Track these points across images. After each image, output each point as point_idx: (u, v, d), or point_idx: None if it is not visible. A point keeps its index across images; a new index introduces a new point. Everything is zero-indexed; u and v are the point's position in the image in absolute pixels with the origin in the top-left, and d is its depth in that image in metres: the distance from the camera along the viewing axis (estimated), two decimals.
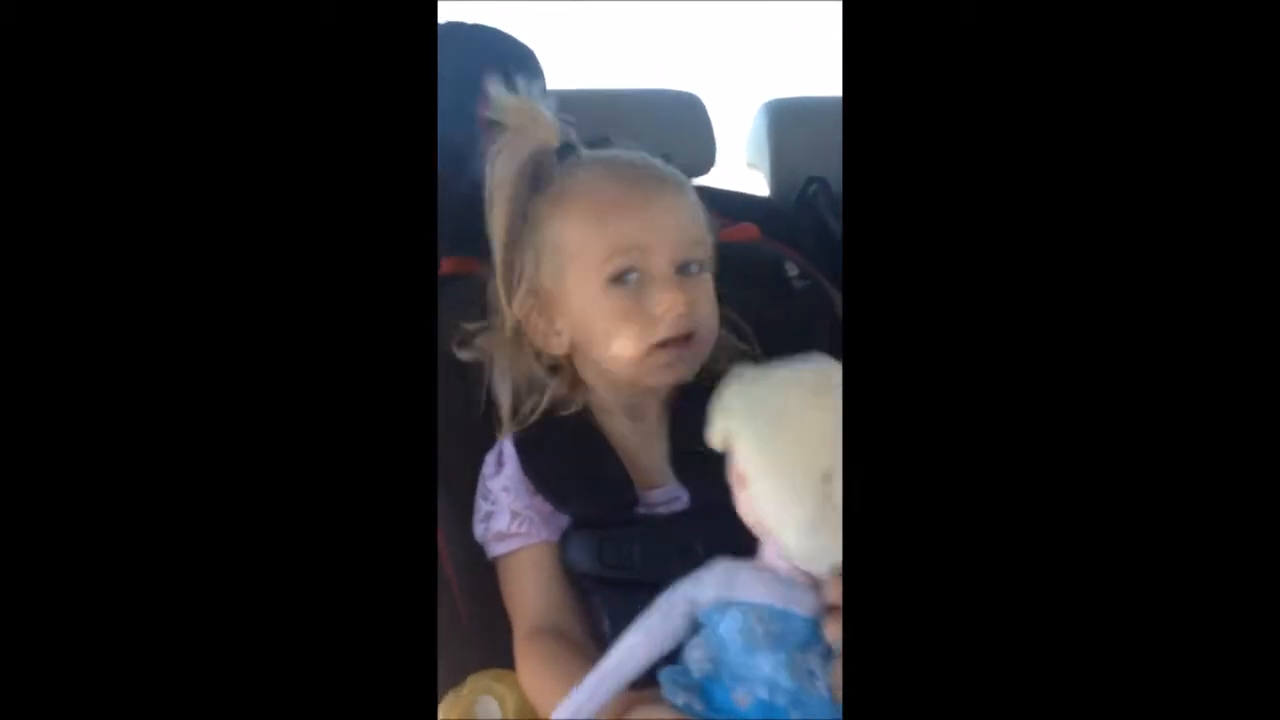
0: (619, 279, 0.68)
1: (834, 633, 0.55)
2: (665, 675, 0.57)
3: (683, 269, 0.68)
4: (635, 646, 0.57)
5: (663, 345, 0.67)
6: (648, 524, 0.68)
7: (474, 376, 0.73)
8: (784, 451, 0.56)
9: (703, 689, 0.57)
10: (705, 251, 0.70)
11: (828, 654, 0.56)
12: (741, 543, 0.60)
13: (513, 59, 0.84)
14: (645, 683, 0.58)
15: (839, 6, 0.48)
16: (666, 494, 0.70)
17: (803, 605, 0.56)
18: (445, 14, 0.85)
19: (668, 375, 0.69)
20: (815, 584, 0.56)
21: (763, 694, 0.55)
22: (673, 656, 0.58)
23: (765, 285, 0.79)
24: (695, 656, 0.57)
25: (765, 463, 0.56)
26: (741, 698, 0.55)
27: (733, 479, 0.58)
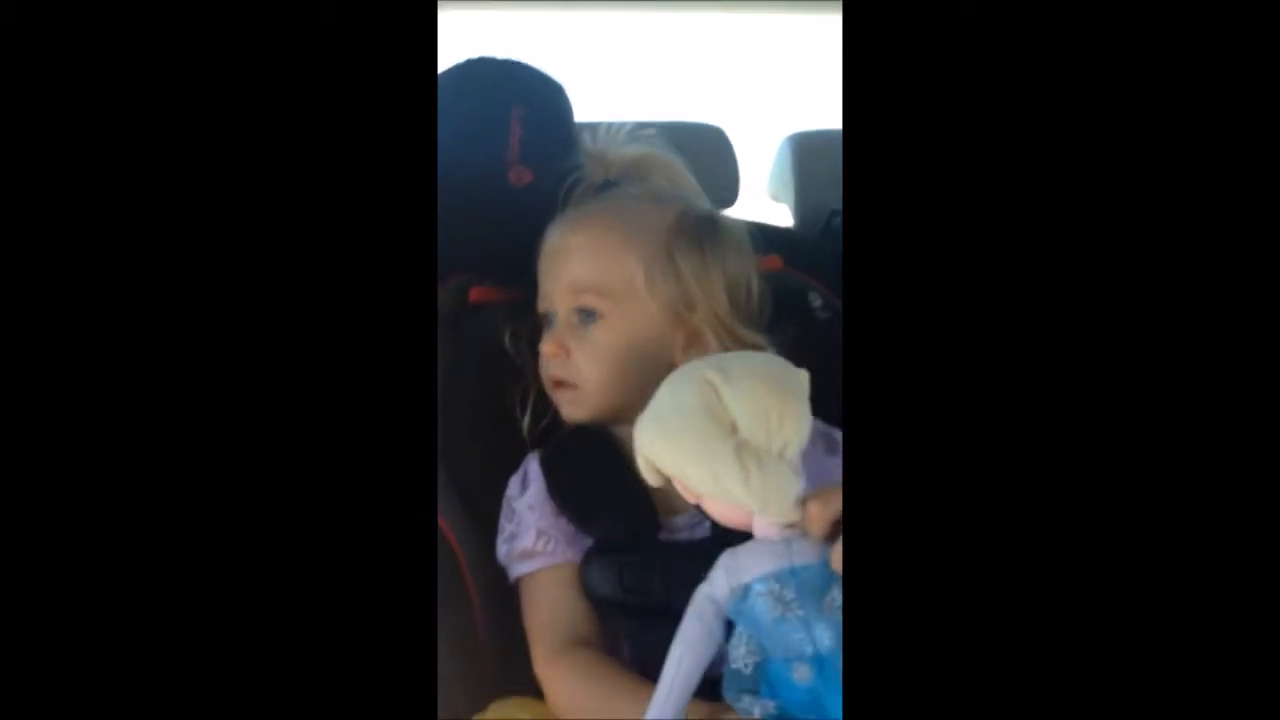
0: (547, 320, 0.73)
1: (839, 557, 0.56)
2: (725, 687, 0.58)
3: (582, 315, 0.71)
4: (681, 659, 0.58)
5: (556, 384, 0.72)
6: (670, 550, 0.69)
7: (501, 397, 0.75)
8: (684, 434, 0.57)
9: (762, 678, 0.57)
10: (600, 302, 0.71)
11: None
12: None
13: (543, 93, 0.86)
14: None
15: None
16: (689, 520, 0.70)
17: (804, 555, 0.57)
18: (471, 50, 0.87)
19: (564, 412, 0.73)
20: (803, 528, 0.57)
21: (809, 651, 0.56)
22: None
23: (790, 316, 0.79)
24: (740, 654, 0.58)
25: (679, 455, 0.58)
26: (801, 673, 0.56)
27: (688, 498, 0.60)
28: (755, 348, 0.71)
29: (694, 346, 0.71)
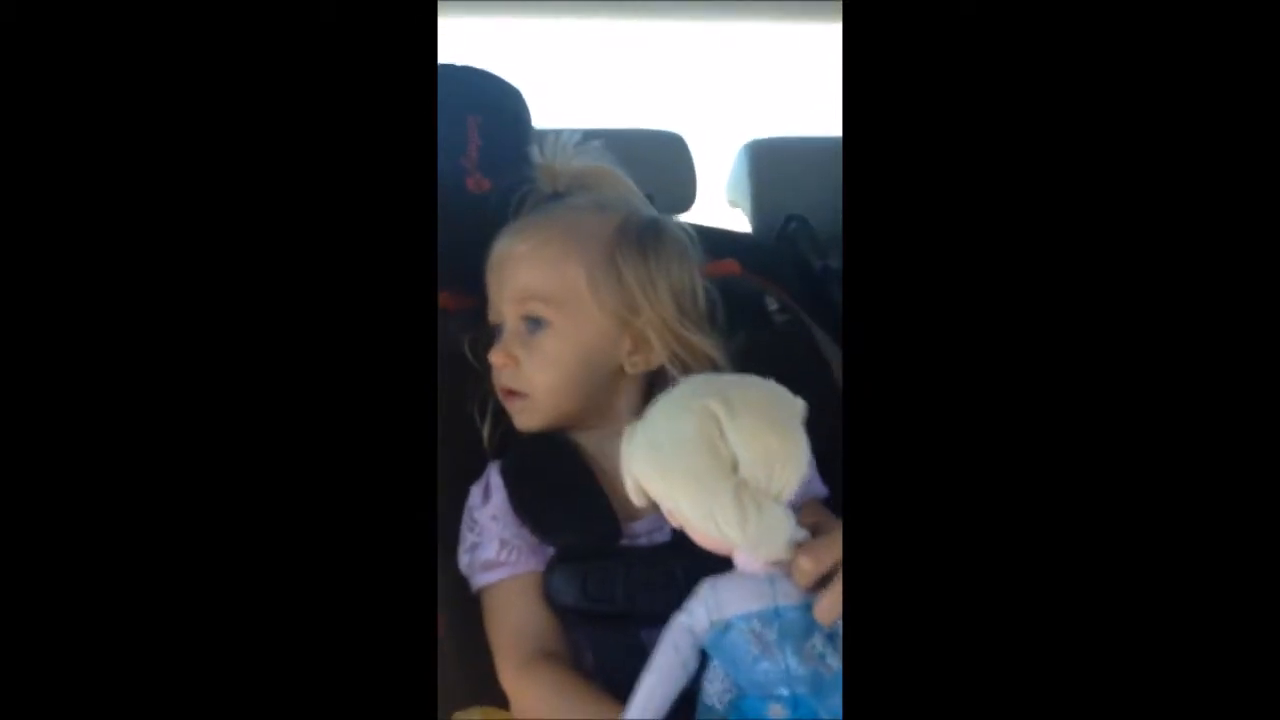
0: (497, 329, 0.73)
1: (824, 608, 0.56)
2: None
3: (530, 323, 0.71)
4: (653, 688, 0.58)
5: (508, 393, 0.72)
6: (631, 555, 0.69)
7: (462, 405, 0.75)
8: (682, 468, 0.57)
9: (735, 713, 0.57)
10: (546, 309, 0.71)
11: (830, 633, 0.57)
12: (723, 566, 0.61)
13: (501, 100, 0.86)
14: None
15: (829, 44, 0.50)
16: (649, 524, 0.70)
17: (789, 596, 0.57)
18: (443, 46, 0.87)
19: (516, 421, 0.73)
20: (789, 569, 0.57)
21: (786, 693, 0.56)
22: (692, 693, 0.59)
23: (746, 319, 0.80)
24: (715, 690, 0.58)
25: (676, 489, 0.58)
26: (776, 711, 0.56)
27: (673, 522, 0.60)
28: (703, 351, 0.72)
29: (639, 351, 0.72)
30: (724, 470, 0.56)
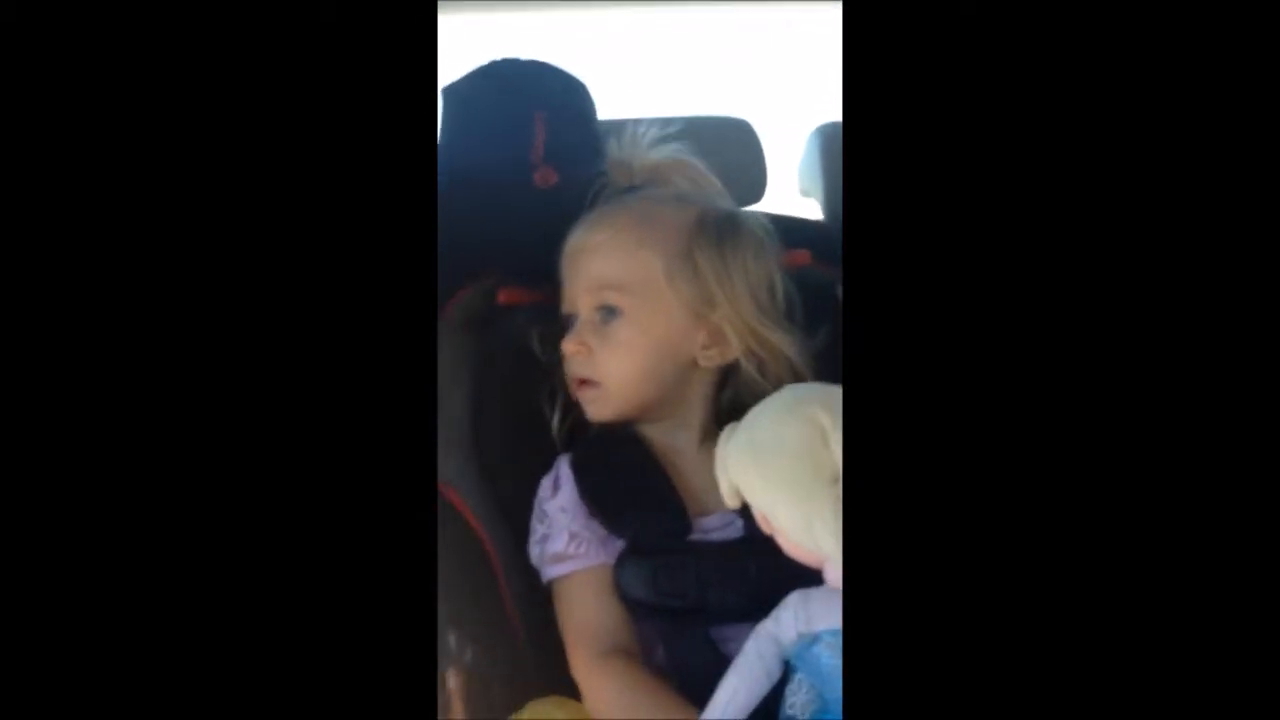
0: (570, 322, 0.73)
1: None
2: None
3: (604, 313, 0.71)
4: (736, 692, 0.58)
5: (580, 383, 0.72)
6: (702, 551, 0.69)
7: (531, 398, 0.75)
8: (783, 475, 0.57)
9: None
10: (621, 298, 0.71)
11: None
12: (797, 568, 0.60)
13: (565, 93, 0.86)
14: None
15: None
16: (720, 520, 0.70)
17: None
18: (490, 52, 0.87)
19: (588, 411, 0.73)
20: None
21: None
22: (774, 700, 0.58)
23: (820, 312, 0.79)
24: (799, 700, 0.58)
25: (775, 495, 0.57)
26: None
27: (764, 529, 0.59)
28: (779, 348, 0.71)
29: (715, 345, 0.72)
30: (825, 480, 0.55)
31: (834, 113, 1.30)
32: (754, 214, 0.77)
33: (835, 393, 0.60)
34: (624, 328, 0.71)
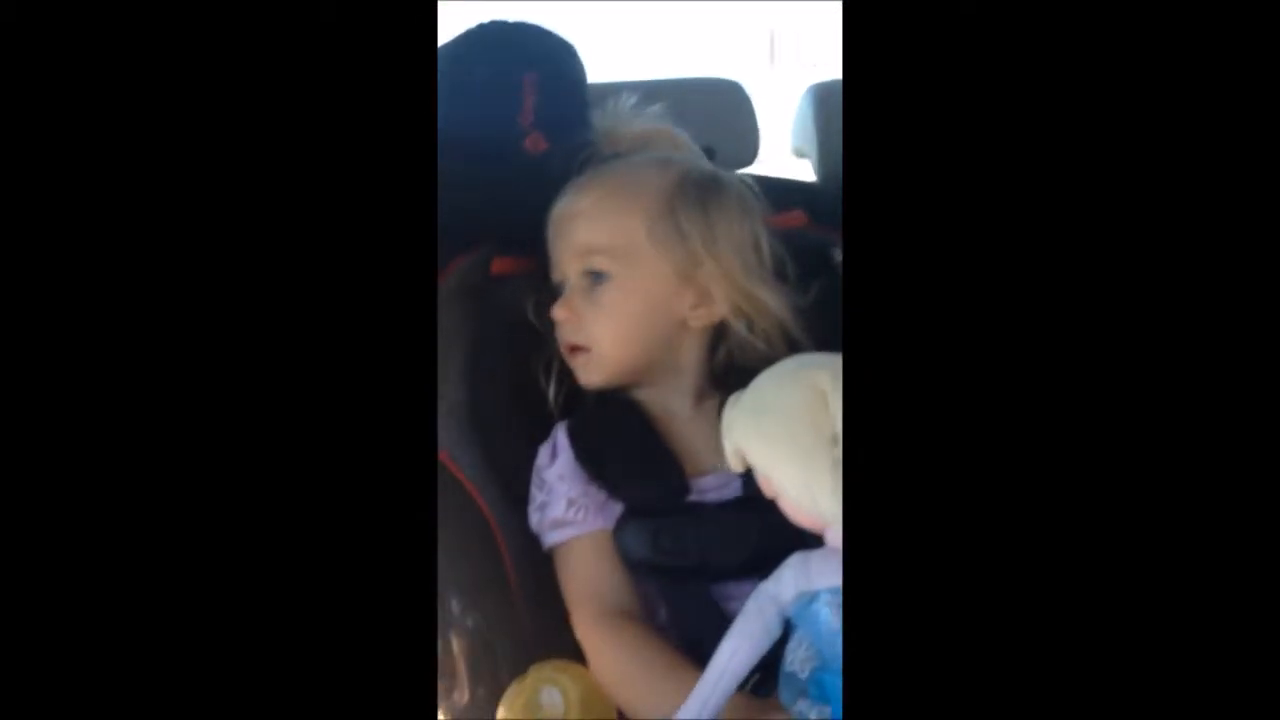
0: (560, 287, 0.73)
1: None
2: (781, 688, 0.58)
3: (591, 278, 0.71)
4: (736, 651, 0.59)
5: (571, 349, 0.72)
6: (701, 511, 0.69)
7: (527, 367, 0.75)
8: (785, 437, 0.57)
9: (815, 683, 0.57)
10: (607, 262, 0.71)
11: None
12: (795, 528, 0.60)
13: (555, 55, 0.85)
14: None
15: None
16: (717, 480, 0.70)
17: None
18: (484, 13, 0.86)
19: (579, 376, 0.73)
20: None
21: None
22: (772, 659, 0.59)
23: (814, 272, 0.78)
24: (799, 656, 0.58)
25: (775, 457, 0.58)
26: None
27: (767, 492, 0.59)
28: (767, 305, 0.72)
29: (703, 305, 0.72)
30: (825, 443, 0.56)
31: (831, 72, 1.28)
32: (735, 174, 0.77)
33: (838, 361, 0.60)
34: (611, 292, 0.71)
